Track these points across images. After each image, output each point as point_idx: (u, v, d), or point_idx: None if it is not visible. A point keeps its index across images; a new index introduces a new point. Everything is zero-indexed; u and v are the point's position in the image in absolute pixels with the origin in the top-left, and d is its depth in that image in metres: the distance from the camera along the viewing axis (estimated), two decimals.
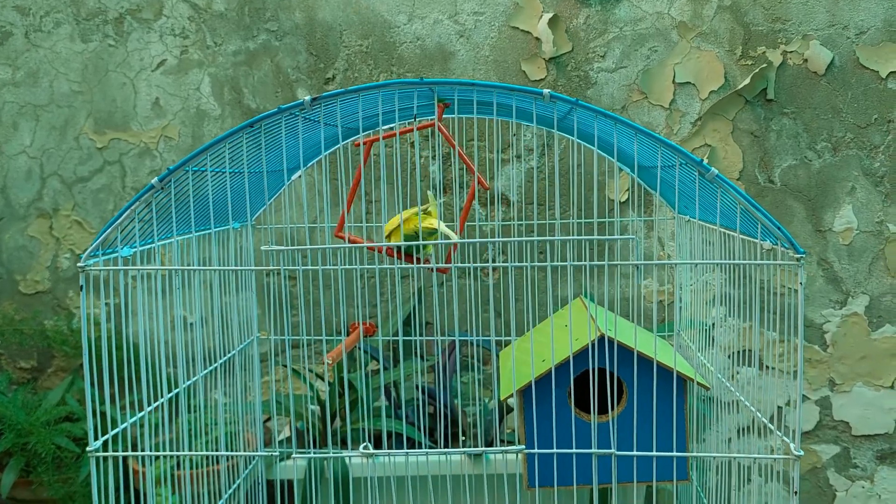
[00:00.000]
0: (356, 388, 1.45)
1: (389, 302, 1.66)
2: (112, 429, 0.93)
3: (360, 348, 1.60)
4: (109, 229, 0.81)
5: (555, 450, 0.91)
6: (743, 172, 1.62)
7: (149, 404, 0.97)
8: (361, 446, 0.79)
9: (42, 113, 1.67)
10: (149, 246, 0.93)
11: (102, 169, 1.68)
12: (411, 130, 1.01)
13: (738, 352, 1.63)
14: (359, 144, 1.07)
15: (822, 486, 1.66)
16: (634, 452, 0.93)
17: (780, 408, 1.64)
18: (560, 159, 1.63)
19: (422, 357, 1.57)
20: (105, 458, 0.89)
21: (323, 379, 1.58)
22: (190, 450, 1.30)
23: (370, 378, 1.52)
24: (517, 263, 1.16)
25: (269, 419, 1.64)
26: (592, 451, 0.82)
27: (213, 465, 1.30)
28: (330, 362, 1.13)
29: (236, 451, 1.33)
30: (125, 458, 1.38)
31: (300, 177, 1.30)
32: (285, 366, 1.66)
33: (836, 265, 1.62)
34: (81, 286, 0.81)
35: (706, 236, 1.33)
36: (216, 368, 1.21)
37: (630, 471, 1.03)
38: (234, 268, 1.24)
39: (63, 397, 1.52)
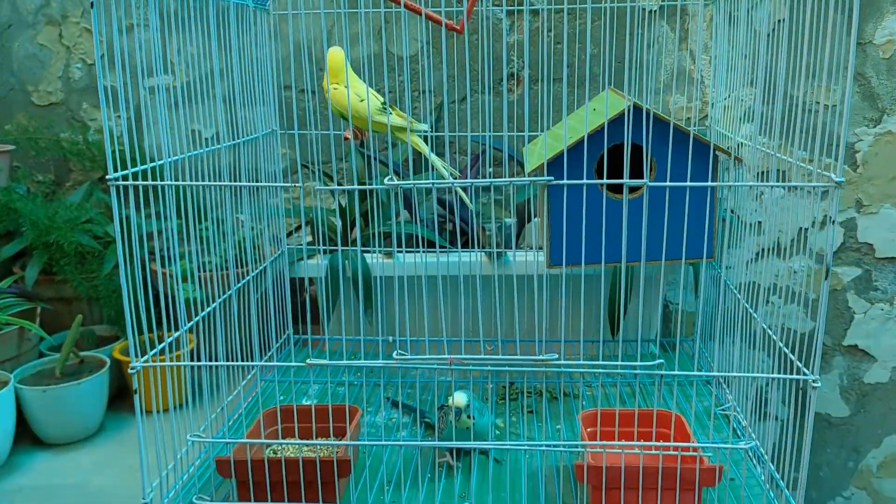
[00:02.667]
0: (376, 194, 1.44)
1: (409, 117, 1.62)
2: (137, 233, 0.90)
3: (377, 159, 1.57)
4: None
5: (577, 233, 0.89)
6: None
7: (172, 206, 0.93)
8: (386, 178, 0.77)
9: None
10: None
11: None
12: None
13: (764, 172, 1.60)
14: None
15: (842, 308, 1.66)
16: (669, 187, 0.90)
17: (805, 229, 1.62)
18: None
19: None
20: (131, 259, 0.87)
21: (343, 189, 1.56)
22: (212, 254, 1.29)
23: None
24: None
25: (290, 234, 1.63)
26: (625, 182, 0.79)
27: (238, 268, 1.30)
28: (348, 138, 1.10)
29: (260, 258, 1.32)
30: (150, 262, 1.39)
31: None
32: (306, 166, 1.63)
33: (873, 80, 1.55)
34: (92, 3, 0.77)
35: (740, 48, 1.27)
36: (240, 190, 1.18)
37: (658, 250, 1.00)
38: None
39: (83, 203, 1.51)
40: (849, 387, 1.70)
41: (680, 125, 0.99)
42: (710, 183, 0.86)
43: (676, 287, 1.64)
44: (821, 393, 1.70)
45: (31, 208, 1.40)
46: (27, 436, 1.28)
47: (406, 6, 0.93)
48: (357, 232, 1.51)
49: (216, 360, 1.04)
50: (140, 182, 0.85)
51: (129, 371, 0.89)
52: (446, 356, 0.83)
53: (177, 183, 0.88)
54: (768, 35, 1.12)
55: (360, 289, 1.32)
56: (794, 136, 0.94)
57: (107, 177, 0.82)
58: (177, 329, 0.98)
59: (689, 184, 0.80)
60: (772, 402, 1.71)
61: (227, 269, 1.26)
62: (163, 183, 0.87)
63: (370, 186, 0.83)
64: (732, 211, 1.30)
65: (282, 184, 0.91)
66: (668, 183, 0.79)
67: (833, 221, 0.79)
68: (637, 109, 1.00)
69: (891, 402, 1.69)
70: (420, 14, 0.90)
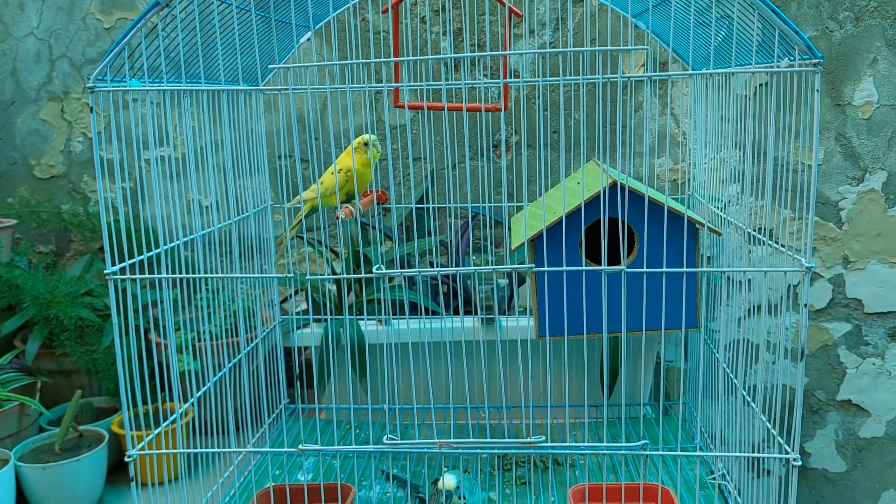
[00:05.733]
0: (371, 261, 1.47)
1: (402, 185, 1.66)
2: (133, 305, 0.93)
3: (374, 227, 1.61)
4: (116, 49, 0.80)
5: (564, 267, 0.92)
6: None
7: (168, 285, 0.96)
8: (375, 267, 0.80)
9: None
10: (158, 86, 0.93)
11: None
12: None
13: (752, 230, 1.63)
14: (386, 10, 1.06)
15: (833, 363, 1.68)
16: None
17: (792, 286, 1.64)
18: (574, 33, 1.60)
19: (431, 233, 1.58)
20: (127, 331, 0.90)
21: (338, 255, 1.60)
22: (210, 324, 1.32)
23: (384, 252, 1.53)
24: (530, 80, 1.15)
25: (285, 300, 1.66)
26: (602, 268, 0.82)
27: (232, 337, 1.32)
28: (343, 217, 1.14)
29: (254, 325, 1.35)
30: (146, 332, 1.42)
31: (309, 39, 1.28)
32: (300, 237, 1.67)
33: (854, 140, 1.59)
34: (91, 107, 0.81)
35: (723, 112, 1.31)
36: (232, 252, 1.21)
37: (640, 320, 1.03)
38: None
39: (83, 275, 1.54)
40: (845, 442, 1.70)
41: (655, 199, 1.02)
42: (684, 269, 0.89)
43: (669, 345, 1.66)
44: (817, 448, 1.71)
45: (32, 283, 1.43)
46: None
47: (449, 108, 1.01)
48: (352, 297, 1.54)
49: (212, 433, 1.06)
50: (138, 276, 0.88)
51: (126, 460, 0.91)
52: (436, 440, 0.85)
53: (173, 276, 0.91)
54: (753, 94, 1.15)
55: (354, 358, 1.35)
56: (778, 195, 0.97)
57: (105, 272, 0.85)
58: (173, 401, 1.00)
59: (664, 269, 0.83)
60: (772, 460, 1.71)
61: (222, 338, 1.29)
62: (160, 277, 0.90)
63: (357, 276, 0.86)
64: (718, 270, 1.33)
65: (273, 254, 0.93)
66: (644, 269, 0.81)
67: (805, 305, 0.81)
68: (614, 187, 1.03)
69: (887, 456, 1.69)
70: (462, 110, 0.96)
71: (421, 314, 1.41)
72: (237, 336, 1.30)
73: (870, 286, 1.64)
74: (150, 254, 0.92)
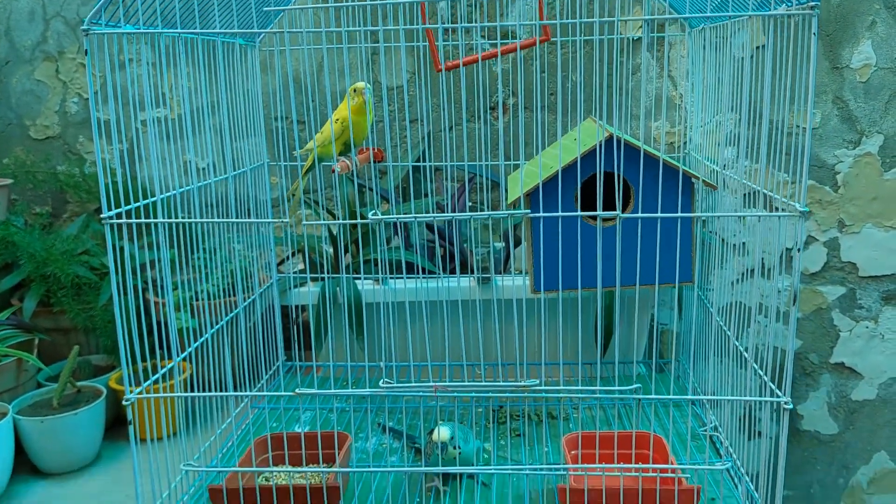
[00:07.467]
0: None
1: (399, 147, 1.66)
2: (130, 264, 0.93)
3: (370, 189, 1.61)
4: None
5: (560, 260, 0.92)
6: None
7: (165, 241, 0.95)
8: (371, 213, 0.80)
9: None
10: (153, 30, 0.92)
11: None
12: None
13: (747, 194, 1.63)
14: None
15: (827, 326, 1.69)
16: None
17: (787, 249, 1.65)
18: None
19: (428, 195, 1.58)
20: (125, 289, 0.90)
21: (335, 216, 1.60)
22: (207, 284, 1.32)
23: (381, 213, 1.53)
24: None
25: (282, 262, 1.66)
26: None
27: (229, 297, 1.33)
28: (339, 170, 1.14)
29: (251, 286, 1.35)
30: (144, 292, 1.42)
31: None
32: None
33: (851, 104, 1.59)
34: (86, 50, 0.81)
35: (720, 74, 1.31)
36: (229, 208, 1.21)
37: (634, 275, 1.03)
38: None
39: (79, 235, 1.54)
40: (837, 404, 1.72)
41: (650, 151, 1.02)
42: (678, 214, 0.89)
43: (663, 307, 1.67)
44: (810, 411, 1.72)
45: (28, 241, 1.43)
46: (26, 465, 1.31)
47: (484, 57, 1.01)
48: (349, 258, 1.54)
49: (209, 390, 1.06)
50: (134, 220, 0.88)
51: (124, 403, 0.91)
52: (432, 383, 0.85)
53: (169, 220, 0.91)
54: (751, 58, 1.15)
55: (351, 316, 1.35)
56: (774, 159, 0.98)
57: (101, 216, 0.85)
58: (171, 358, 1.01)
59: (659, 215, 0.83)
60: (763, 421, 1.73)
61: (220, 297, 1.29)
62: (156, 221, 0.90)
63: (353, 221, 0.86)
64: (713, 232, 1.33)
65: (270, 217, 0.94)
66: (639, 214, 0.82)
67: (799, 250, 0.82)
68: (610, 140, 1.03)
69: (878, 418, 1.71)
70: (497, 55, 0.96)
71: (417, 273, 1.41)
72: (234, 296, 1.31)
73: (865, 250, 1.64)
74: (147, 201, 0.92)
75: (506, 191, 1.28)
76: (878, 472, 1.73)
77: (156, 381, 1.00)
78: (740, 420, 1.18)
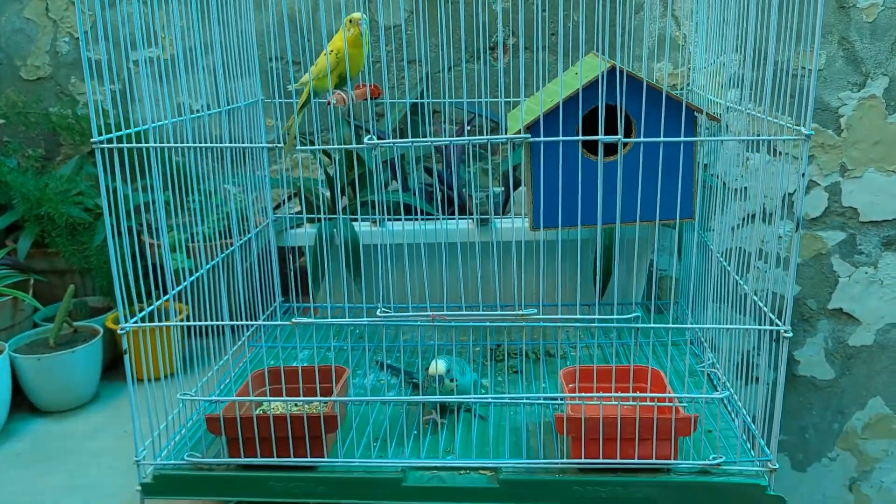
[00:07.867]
0: (364, 161, 1.45)
1: (396, 88, 1.63)
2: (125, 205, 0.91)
3: (367, 130, 1.59)
4: None
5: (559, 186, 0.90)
6: None
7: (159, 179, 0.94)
8: (366, 138, 0.79)
9: None
10: None
11: None
12: None
13: (750, 132, 1.61)
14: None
15: (826, 272, 1.68)
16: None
17: (789, 194, 1.63)
18: None
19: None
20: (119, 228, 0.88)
21: (331, 158, 1.58)
22: (203, 226, 1.31)
23: (377, 155, 1.51)
24: None
25: (279, 206, 1.65)
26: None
27: (225, 239, 1.31)
28: (335, 102, 1.12)
29: (247, 229, 1.33)
30: (139, 234, 1.40)
31: None
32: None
33: (857, 44, 1.56)
34: None
35: (724, 14, 1.28)
36: (226, 158, 1.19)
37: (635, 211, 1.02)
38: None
39: (73, 177, 1.52)
40: (834, 350, 1.72)
41: (653, 83, 1.00)
42: (681, 138, 0.88)
43: (662, 252, 1.66)
44: (806, 356, 1.73)
45: (21, 181, 1.42)
46: (23, 404, 1.31)
47: None
48: (346, 201, 1.53)
49: (206, 335, 1.06)
50: (125, 145, 0.86)
51: (119, 332, 0.91)
52: (429, 313, 0.85)
53: (161, 145, 0.90)
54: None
55: (349, 257, 1.34)
56: (778, 102, 0.96)
57: (92, 140, 0.83)
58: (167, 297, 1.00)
59: (661, 139, 0.81)
60: (760, 367, 1.73)
61: (216, 240, 1.28)
62: (148, 145, 0.88)
63: (348, 147, 0.84)
64: (715, 175, 1.32)
65: (265, 145, 0.92)
66: (641, 139, 0.80)
67: (803, 175, 0.81)
68: (612, 71, 1.01)
69: (875, 364, 1.71)
70: None
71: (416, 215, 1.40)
72: (230, 238, 1.30)
73: (866, 194, 1.63)
74: (139, 128, 0.90)
75: (505, 130, 1.26)
76: (872, 418, 1.74)
77: (152, 318, 0.99)
78: (737, 367, 1.18)
